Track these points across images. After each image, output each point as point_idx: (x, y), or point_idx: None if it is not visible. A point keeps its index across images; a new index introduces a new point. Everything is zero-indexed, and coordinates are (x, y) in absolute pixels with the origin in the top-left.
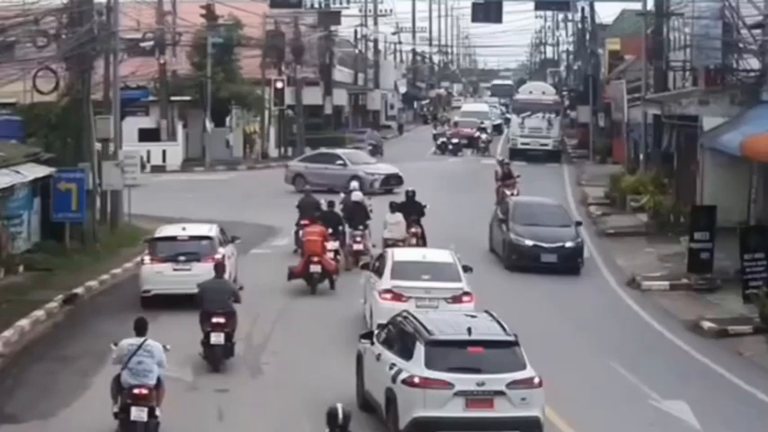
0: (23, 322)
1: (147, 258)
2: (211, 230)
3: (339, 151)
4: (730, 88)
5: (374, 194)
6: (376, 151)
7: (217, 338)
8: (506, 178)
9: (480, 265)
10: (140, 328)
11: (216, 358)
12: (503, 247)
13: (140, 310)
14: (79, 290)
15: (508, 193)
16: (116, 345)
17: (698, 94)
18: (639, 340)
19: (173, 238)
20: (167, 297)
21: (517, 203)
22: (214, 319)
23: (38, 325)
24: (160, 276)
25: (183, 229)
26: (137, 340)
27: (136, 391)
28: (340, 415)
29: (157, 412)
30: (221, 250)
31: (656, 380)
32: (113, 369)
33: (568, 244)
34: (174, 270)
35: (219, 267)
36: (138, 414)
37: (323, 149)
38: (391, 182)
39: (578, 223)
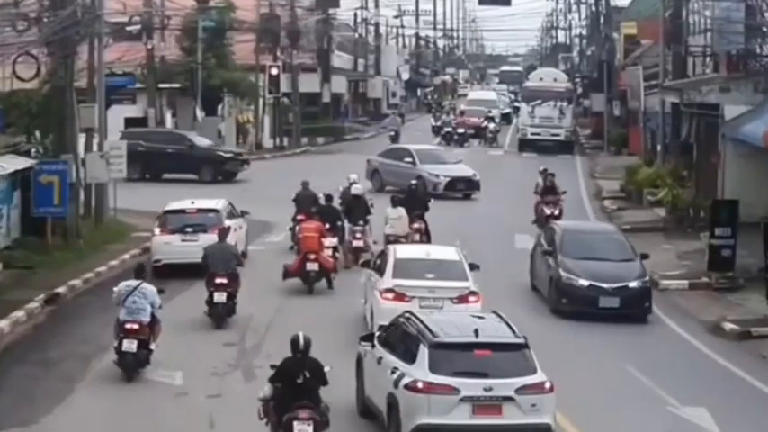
0: (2, 323)
1: (157, 230)
2: (218, 204)
3: (412, 147)
4: (753, 75)
5: (440, 198)
6: (396, 139)
7: (219, 297)
8: (547, 193)
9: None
10: (139, 272)
11: (218, 315)
12: (549, 285)
13: None
14: (61, 289)
15: (548, 212)
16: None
17: (719, 81)
18: (656, 342)
19: (182, 211)
20: (176, 266)
21: (566, 231)
22: (217, 280)
23: (18, 326)
24: (169, 247)
25: (192, 202)
26: (134, 282)
27: (128, 325)
28: (301, 342)
29: (152, 346)
30: (227, 222)
31: (675, 385)
32: (97, 374)
33: (633, 284)
34: (183, 241)
35: (222, 232)
36: (129, 345)
37: (395, 145)
38: (458, 186)
39: (644, 256)
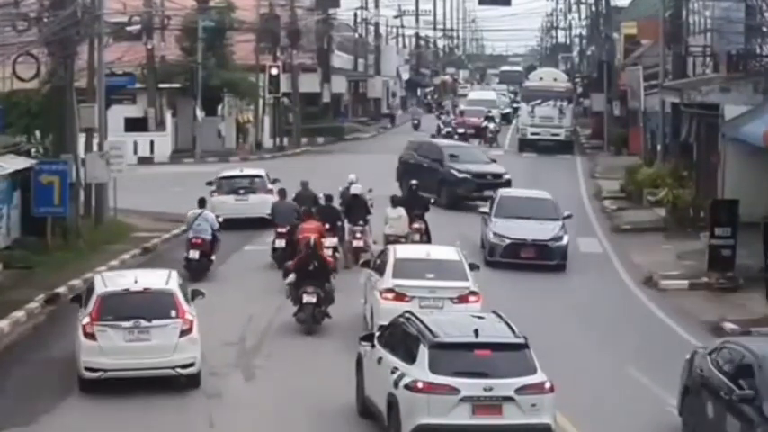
0: (2, 324)
1: (214, 193)
2: (262, 172)
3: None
4: (753, 75)
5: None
6: (418, 127)
7: (279, 244)
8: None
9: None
10: (201, 203)
11: (277, 258)
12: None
13: None
14: (62, 289)
15: None
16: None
17: (719, 81)
18: (656, 343)
19: (234, 177)
20: (232, 221)
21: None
22: (279, 230)
23: (18, 326)
24: (225, 205)
25: (241, 170)
26: (198, 210)
27: (193, 240)
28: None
29: (212, 257)
30: (270, 186)
31: (675, 385)
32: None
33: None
34: (236, 200)
35: (281, 193)
36: (193, 254)
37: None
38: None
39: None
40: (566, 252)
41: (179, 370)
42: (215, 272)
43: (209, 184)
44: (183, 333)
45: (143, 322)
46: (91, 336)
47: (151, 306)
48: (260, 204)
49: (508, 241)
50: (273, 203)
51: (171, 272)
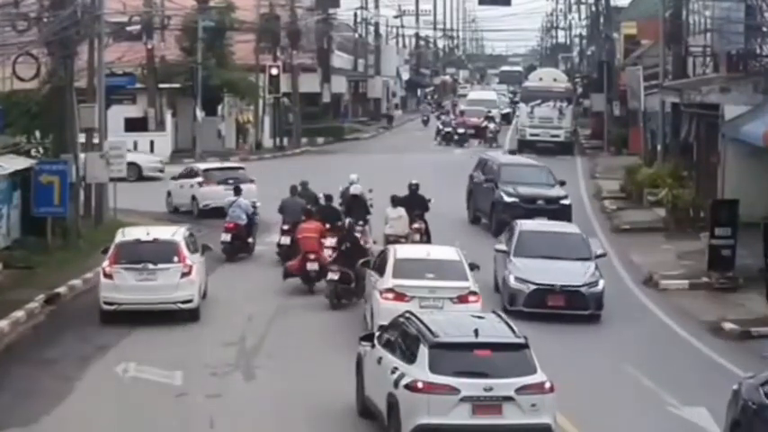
0: (2, 323)
1: (203, 184)
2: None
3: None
4: (753, 75)
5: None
6: (428, 123)
7: (285, 240)
8: None
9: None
10: (237, 191)
11: (282, 255)
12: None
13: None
14: (62, 289)
15: None
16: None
17: (719, 81)
18: (657, 343)
19: (220, 169)
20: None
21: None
22: (284, 227)
23: (18, 326)
24: (215, 193)
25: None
26: (233, 198)
27: (227, 225)
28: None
29: (249, 240)
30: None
31: (675, 385)
32: (96, 374)
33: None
34: (225, 190)
35: (292, 190)
36: (225, 237)
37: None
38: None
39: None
40: (601, 299)
41: (180, 305)
42: (215, 271)
43: (175, 179)
44: (184, 275)
45: (150, 266)
46: (109, 276)
47: (158, 253)
48: (247, 193)
49: (533, 287)
50: (283, 200)
51: (180, 227)
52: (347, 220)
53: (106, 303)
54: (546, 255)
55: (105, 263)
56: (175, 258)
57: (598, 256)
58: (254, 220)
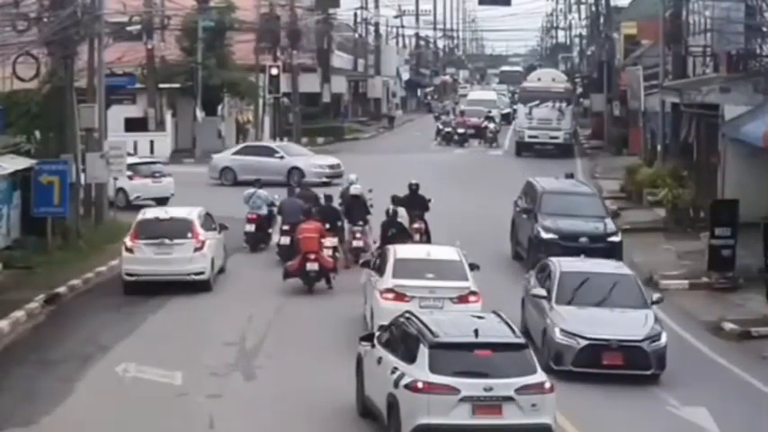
0: (2, 324)
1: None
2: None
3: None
4: (753, 75)
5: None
6: (439, 119)
7: (284, 241)
8: None
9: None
10: (256, 182)
11: (282, 255)
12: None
13: (125, 311)
14: (62, 289)
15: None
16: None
17: (719, 82)
18: None
19: (146, 163)
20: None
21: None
22: (284, 227)
23: (18, 326)
24: (143, 187)
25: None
26: (253, 190)
27: (249, 216)
28: (391, 210)
29: (270, 230)
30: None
31: (675, 385)
32: (96, 374)
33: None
34: (153, 183)
35: (291, 190)
36: (249, 228)
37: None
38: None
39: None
40: (664, 357)
41: (193, 276)
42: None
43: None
44: (197, 249)
45: (167, 241)
46: (130, 250)
47: (173, 229)
48: (168, 185)
49: (584, 342)
50: (281, 200)
51: (196, 208)
52: (390, 208)
53: (128, 275)
54: (595, 302)
55: (127, 238)
56: (189, 234)
57: (654, 302)
58: (273, 211)
